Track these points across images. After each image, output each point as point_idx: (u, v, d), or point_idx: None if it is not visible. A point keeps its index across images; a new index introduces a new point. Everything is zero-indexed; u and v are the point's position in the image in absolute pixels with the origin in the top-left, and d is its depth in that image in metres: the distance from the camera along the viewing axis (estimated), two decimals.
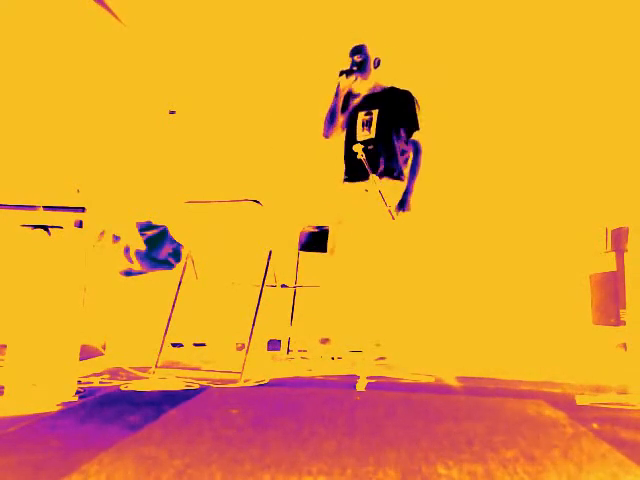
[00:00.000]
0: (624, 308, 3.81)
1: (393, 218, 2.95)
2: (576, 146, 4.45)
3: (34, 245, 2.10)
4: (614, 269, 3.98)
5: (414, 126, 3.17)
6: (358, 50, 3.22)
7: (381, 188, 2.84)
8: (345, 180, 3.27)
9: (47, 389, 2.02)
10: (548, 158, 4.49)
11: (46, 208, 2.17)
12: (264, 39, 4.33)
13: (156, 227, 3.04)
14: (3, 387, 2.03)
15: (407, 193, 3.07)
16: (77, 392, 2.13)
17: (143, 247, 2.95)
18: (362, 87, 3.27)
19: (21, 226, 2.12)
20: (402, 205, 3.07)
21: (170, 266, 3.04)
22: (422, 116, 3.20)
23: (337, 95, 3.19)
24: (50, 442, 1.53)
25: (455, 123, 4.47)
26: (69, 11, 3.65)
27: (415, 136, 3.17)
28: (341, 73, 3.15)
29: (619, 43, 4.13)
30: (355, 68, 3.17)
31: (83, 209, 2.21)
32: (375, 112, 3.16)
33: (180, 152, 4.25)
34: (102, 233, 2.92)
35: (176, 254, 3.04)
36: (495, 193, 4.52)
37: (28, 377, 2.02)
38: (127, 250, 2.94)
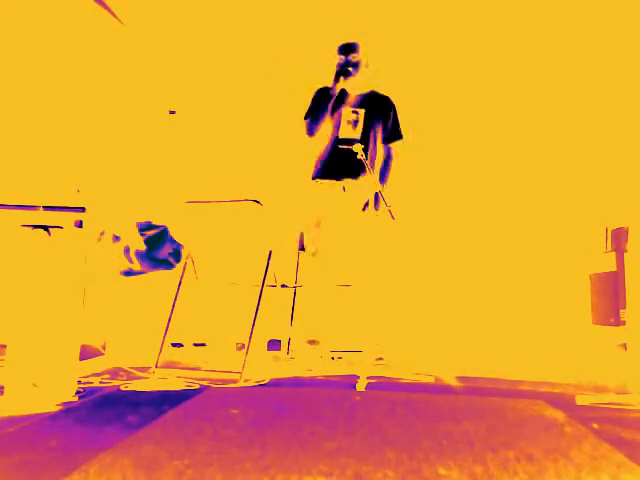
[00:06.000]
0: (624, 308, 3.81)
1: (393, 218, 2.96)
2: (576, 146, 4.45)
3: (34, 245, 2.10)
4: (614, 269, 3.98)
5: (398, 136, 3.25)
6: (353, 49, 3.20)
7: (355, 187, 2.88)
8: (319, 177, 3.25)
9: (47, 389, 2.02)
10: (548, 158, 4.49)
11: (46, 208, 2.17)
12: (264, 39, 4.32)
13: (156, 227, 3.04)
14: (3, 387, 2.03)
15: (377, 195, 3.05)
16: (77, 392, 2.13)
17: (143, 247, 2.95)
18: (352, 87, 3.25)
19: (21, 226, 2.12)
20: (366, 206, 3.07)
21: (170, 266, 3.04)
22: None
23: (332, 96, 3.16)
24: (50, 442, 1.53)
25: (455, 122, 4.47)
26: (69, 11, 3.65)
27: (395, 144, 3.24)
28: (338, 75, 3.14)
29: (619, 43, 4.12)
30: (351, 68, 3.17)
31: (83, 209, 2.21)
32: (362, 112, 3.15)
33: (180, 152, 4.25)
34: (102, 233, 2.92)
35: (176, 254, 3.04)
36: (495, 193, 4.52)
37: (28, 377, 2.02)
38: (127, 250, 2.94)
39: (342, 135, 3.08)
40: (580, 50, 4.25)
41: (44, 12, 3.55)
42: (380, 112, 3.23)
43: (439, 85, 4.39)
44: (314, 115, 3.23)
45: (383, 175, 3.19)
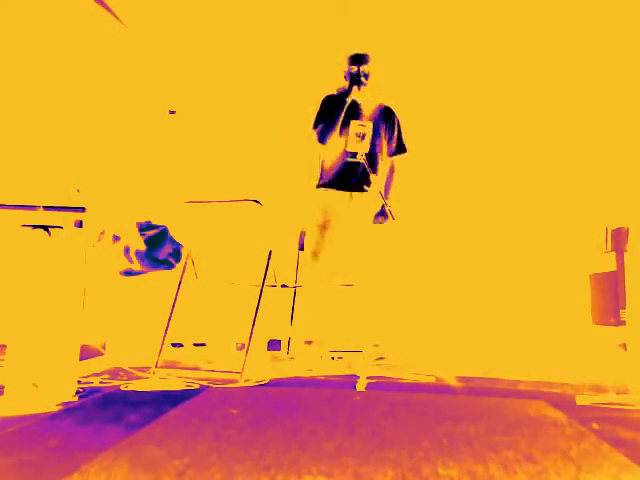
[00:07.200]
0: (624, 308, 3.81)
1: (393, 218, 2.97)
2: (576, 146, 4.45)
3: (34, 245, 2.10)
4: (614, 269, 3.98)
5: (402, 149, 3.30)
6: (366, 60, 3.21)
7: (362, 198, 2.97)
8: (327, 186, 3.25)
9: (47, 389, 2.02)
10: (548, 158, 4.49)
11: (46, 208, 2.17)
12: (264, 39, 4.33)
13: (156, 227, 3.04)
14: (3, 387, 2.03)
15: (384, 206, 3.08)
16: (77, 392, 2.13)
17: (143, 247, 2.95)
18: (363, 98, 3.26)
19: (21, 226, 2.12)
20: (384, 214, 3.11)
21: (170, 266, 3.04)
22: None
23: (344, 104, 3.15)
24: (50, 442, 1.53)
25: (455, 123, 4.47)
26: (69, 11, 3.65)
27: (398, 157, 3.29)
28: (352, 84, 3.15)
29: (619, 43, 4.12)
30: (363, 79, 3.18)
31: (83, 209, 2.22)
32: (369, 125, 3.12)
33: (180, 152, 4.25)
34: (102, 233, 2.92)
35: (176, 254, 3.04)
36: (495, 193, 4.53)
37: (28, 377, 2.02)
38: (127, 250, 2.94)
39: (350, 148, 3.08)
40: (580, 50, 4.25)
41: (45, 12, 3.55)
42: (387, 126, 3.28)
43: (439, 86, 4.39)
44: (326, 123, 3.20)
45: (387, 188, 3.24)
